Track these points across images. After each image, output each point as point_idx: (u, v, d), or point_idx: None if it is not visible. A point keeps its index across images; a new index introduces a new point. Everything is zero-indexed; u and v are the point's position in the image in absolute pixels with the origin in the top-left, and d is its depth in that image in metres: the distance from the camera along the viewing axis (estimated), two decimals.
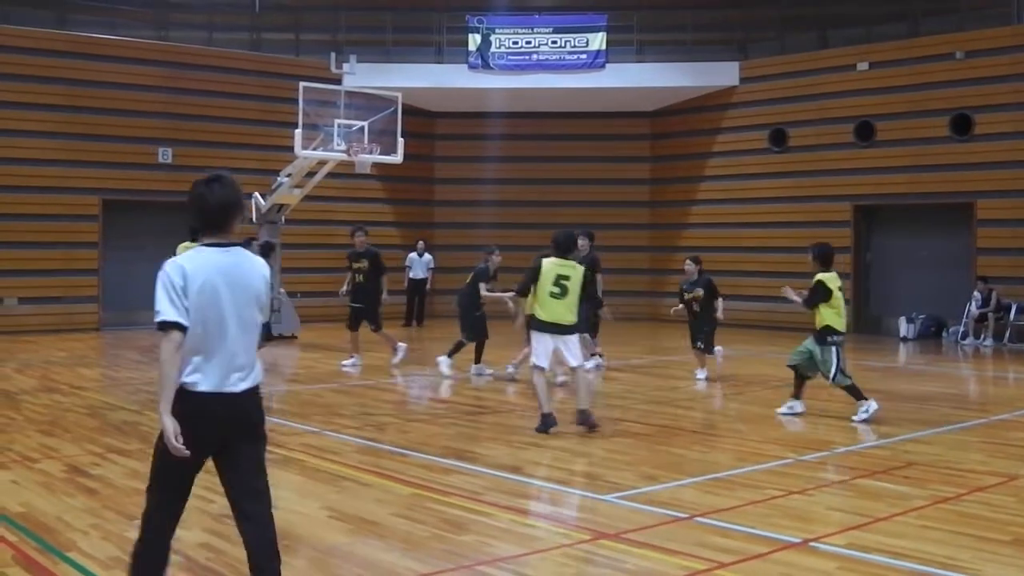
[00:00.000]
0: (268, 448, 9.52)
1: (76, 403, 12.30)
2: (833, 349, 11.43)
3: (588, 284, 11.09)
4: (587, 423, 10.49)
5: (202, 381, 4.56)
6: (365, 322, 16.53)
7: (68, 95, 22.73)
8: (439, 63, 26.99)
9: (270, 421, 10.84)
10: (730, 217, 26.14)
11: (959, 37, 22.70)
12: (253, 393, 4.78)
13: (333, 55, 22.28)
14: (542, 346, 10.65)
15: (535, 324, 10.73)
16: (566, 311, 10.61)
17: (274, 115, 23.97)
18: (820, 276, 11.80)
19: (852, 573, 5.93)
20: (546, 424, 10.49)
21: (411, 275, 24.86)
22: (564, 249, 10.85)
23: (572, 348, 10.70)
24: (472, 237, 26.98)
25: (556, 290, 10.57)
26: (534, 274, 10.70)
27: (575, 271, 10.74)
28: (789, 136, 25.26)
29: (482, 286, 15.14)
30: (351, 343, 16.64)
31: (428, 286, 25.39)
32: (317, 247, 25.22)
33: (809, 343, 11.65)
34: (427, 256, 24.95)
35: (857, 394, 11.47)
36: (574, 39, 26.30)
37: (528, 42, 26.43)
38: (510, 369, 14.80)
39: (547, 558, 6.28)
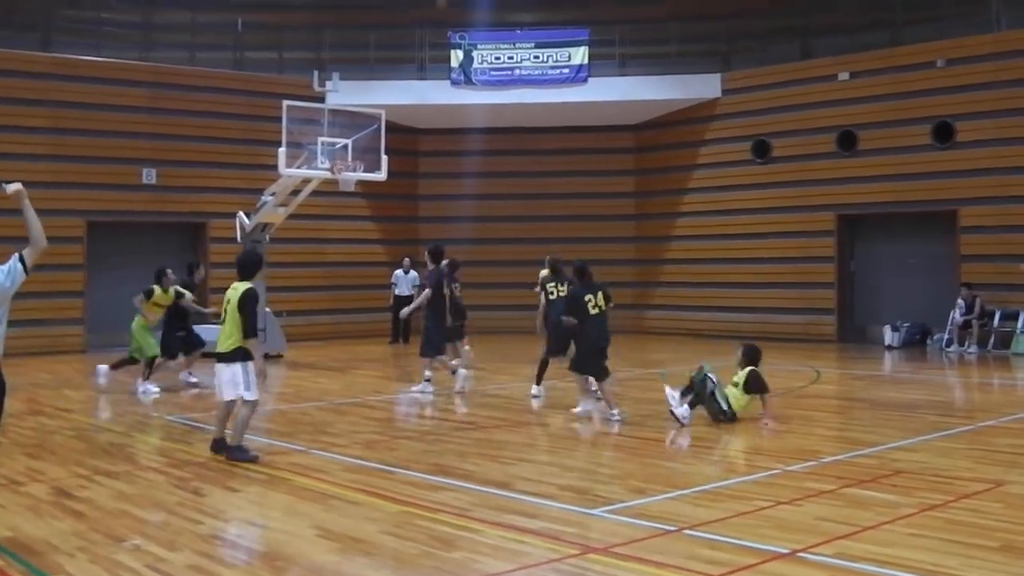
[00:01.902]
0: (255, 468, 9.58)
1: (62, 425, 12.26)
2: None
3: (246, 307, 9.83)
4: (224, 450, 9.98)
5: None
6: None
7: (52, 117, 22.68)
8: (422, 80, 27.03)
9: (258, 440, 10.85)
10: (715, 229, 26.21)
11: (940, 45, 22.82)
12: None
13: (316, 73, 22.30)
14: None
15: None
16: (222, 336, 9.92)
17: (257, 134, 23.96)
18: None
19: None
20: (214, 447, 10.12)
21: (396, 292, 24.69)
22: (242, 270, 10.31)
23: (220, 378, 10.02)
24: (457, 253, 26.86)
25: (223, 315, 10.06)
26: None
27: (235, 293, 9.96)
28: (772, 147, 25.35)
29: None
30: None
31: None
32: (302, 265, 25.24)
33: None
34: (412, 273, 24.75)
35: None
36: (556, 54, 26.37)
37: (510, 57, 26.49)
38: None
39: (536, 573, 6.27)
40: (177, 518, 7.62)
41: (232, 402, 9.99)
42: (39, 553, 6.67)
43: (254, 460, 9.73)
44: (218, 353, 9.97)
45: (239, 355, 9.86)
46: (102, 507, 7.97)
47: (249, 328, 9.83)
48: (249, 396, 9.90)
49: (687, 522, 7.34)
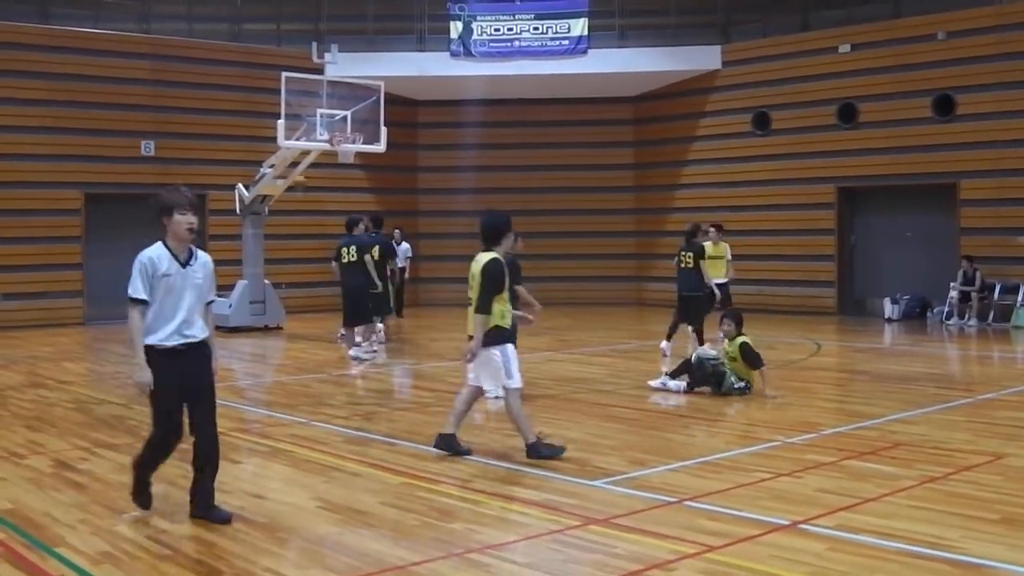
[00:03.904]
0: (256, 439, 9.60)
1: (62, 398, 12.27)
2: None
3: (487, 279, 8.58)
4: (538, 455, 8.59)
5: None
6: None
7: (50, 89, 22.60)
8: (421, 51, 26.93)
9: (258, 413, 10.85)
10: (714, 201, 26.14)
11: (941, 18, 22.72)
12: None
13: (315, 45, 22.22)
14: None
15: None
16: (469, 318, 8.80)
17: (256, 106, 23.89)
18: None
19: (842, 554, 5.94)
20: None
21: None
22: (486, 236, 8.91)
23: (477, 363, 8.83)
24: (457, 225, 27.00)
25: (470, 294, 8.80)
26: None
27: (477, 265, 8.71)
28: (772, 119, 25.27)
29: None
30: None
31: (406, 275, 24.61)
32: (301, 237, 25.19)
33: None
34: (404, 245, 24.41)
35: None
36: (556, 25, 26.26)
37: (510, 29, 26.38)
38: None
39: (536, 544, 6.28)
40: (177, 490, 7.62)
41: (479, 389, 8.88)
42: (40, 525, 6.69)
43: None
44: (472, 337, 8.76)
45: (494, 337, 8.62)
46: (103, 479, 7.98)
47: (481, 301, 8.55)
48: (511, 384, 8.63)
49: (687, 493, 7.35)
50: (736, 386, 11.91)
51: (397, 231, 24.34)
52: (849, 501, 7.09)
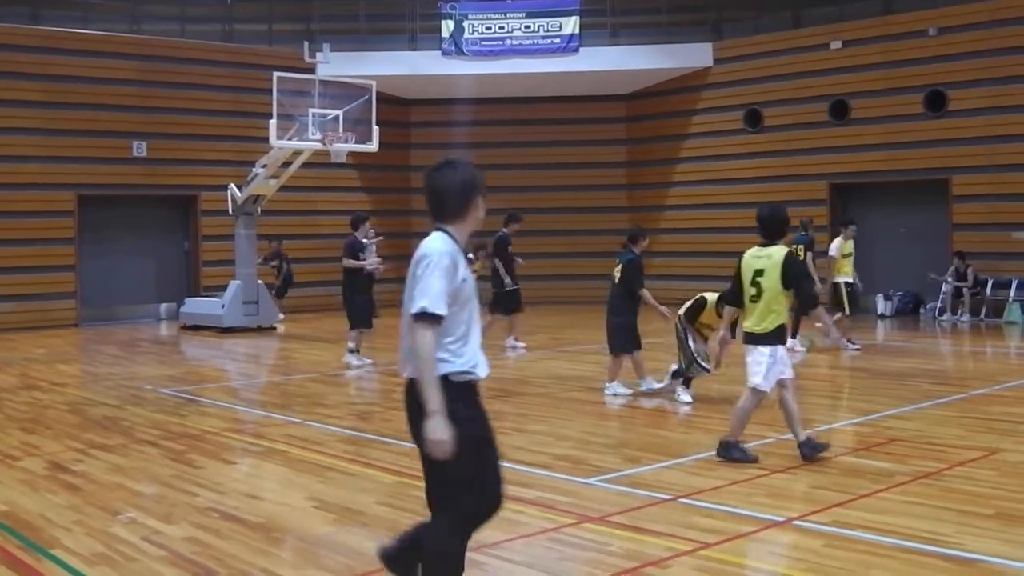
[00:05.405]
0: (251, 439, 9.56)
1: (56, 400, 12.25)
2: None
3: (797, 276, 8.39)
4: (728, 456, 8.37)
5: None
6: None
7: (41, 91, 22.51)
8: (413, 50, 26.91)
9: (253, 413, 10.83)
10: (707, 198, 26.16)
11: (932, 14, 22.73)
12: (411, 383, 4.60)
13: (306, 44, 22.17)
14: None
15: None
16: (758, 315, 8.30)
17: (248, 106, 23.83)
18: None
19: (837, 550, 5.95)
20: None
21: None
22: (768, 229, 8.49)
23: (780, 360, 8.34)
24: None
25: (752, 291, 8.35)
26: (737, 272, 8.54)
27: (769, 261, 8.26)
28: (764, 116, 25.28)
29: None
30: None
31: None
32: (295, 237, 25.15)
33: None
34: (373, 246, 23.88)
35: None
36: (547, 23, 26.25)
37: (501, 27, 26.36)
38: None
39: (532, 543, 6.28)
40: (172, 491, 7.63)
41: (781, 387, 8.41)
42: (35, 527, 6.68)
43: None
44: (750, 334, 8.36)
45: (775, 336, 8.28)
46: (98, 481, 7.97)
47: (808, 297, 8.51)
48: (763, 385, 8.27)
49: (682, 491, 7.36)
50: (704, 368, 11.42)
51: (371, 230, 23.94)
52: (843, 497, 7.10)
